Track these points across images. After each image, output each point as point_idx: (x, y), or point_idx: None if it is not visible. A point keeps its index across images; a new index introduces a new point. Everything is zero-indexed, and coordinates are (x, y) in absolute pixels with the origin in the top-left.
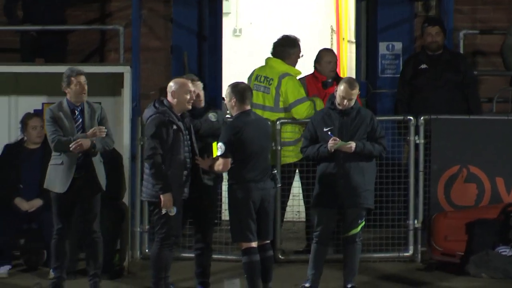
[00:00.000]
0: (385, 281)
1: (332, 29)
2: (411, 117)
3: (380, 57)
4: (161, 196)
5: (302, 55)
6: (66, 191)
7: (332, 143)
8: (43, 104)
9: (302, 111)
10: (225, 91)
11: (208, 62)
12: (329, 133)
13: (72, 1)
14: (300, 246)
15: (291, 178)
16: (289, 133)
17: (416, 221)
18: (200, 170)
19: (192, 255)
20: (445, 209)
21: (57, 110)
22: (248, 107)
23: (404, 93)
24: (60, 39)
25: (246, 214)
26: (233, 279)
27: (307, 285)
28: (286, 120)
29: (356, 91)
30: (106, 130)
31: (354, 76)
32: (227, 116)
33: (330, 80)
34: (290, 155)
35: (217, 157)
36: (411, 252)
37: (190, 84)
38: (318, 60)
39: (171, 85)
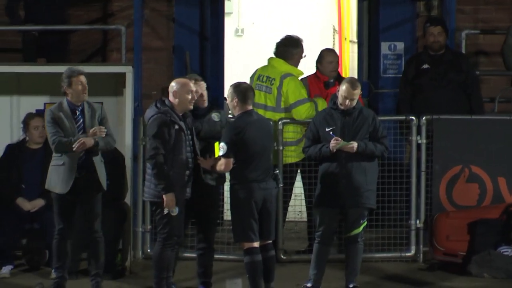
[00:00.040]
0: (387, 281)
1: (334, 29)
2: (413, 117)
3: (382, 57)
4: (164, 196)
5: (305, 56)
6: (69, 191)
7: (334, 143)
8: (45, 104)
9: (302, 112)
10: (227, 91)
11: (210, 62)
12: (331, 133)
13: (74, 1)
14: (302, 246)
15: (293, 178)
16: (291, 133)
17: (418, 221)
18: (201, 170)
19: (194, 255)
20: (447, 209)
21: (57, 110)
22: (250, 107)
23: (406, 93)
24: (62, 39)
25: (248, 214)
26: (235, 279)
27: (309, 285)
28: (288, 120)
29: (358, 91)
30: (106, 130)
31: (356, 76)
32: (229, 116)
33: (332, 80)
34: (292, 155)
35: (219, 157)
36: (413, 252)
37: (191, 84)
38: (319, 60)
39: (173, 85)
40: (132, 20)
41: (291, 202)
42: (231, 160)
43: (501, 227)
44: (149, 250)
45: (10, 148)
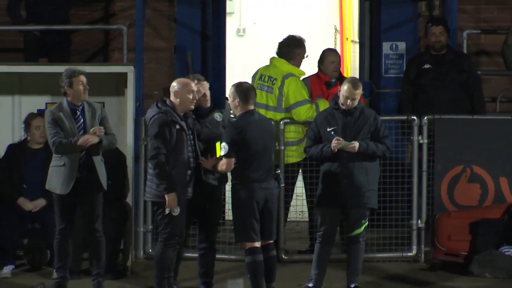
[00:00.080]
0: (388, 281)
1: (335, 29)
2: (415, 117)
3: (383, 57)
4: (166, 196)
5: (307, 56)
6: (70, 191)
7: (336, 143)
8: (46, 104)
9: (301, 113)
10: (228, 91)
11: (211, 62)
12: (332, 133)
13: (76, 1)
14: (303, 246)
15: (295, 178)
16: (292, 133)
17: (419, 221)
18: (202, 170)
19: (195, 255)
20: (448, 209)
21: (57, 111)
22: (252, 107)
23: (407, 93)
24: (64, 39)
25: (249, 214)
26: (236, 279)
27: (310, 285)
28: (289, 120)
29: (359, 91)
30: (103, 130)
31: (357, 76)
32: (231, 116)
33: (333, 80)
34: (293, 155)
35: (221, 157)
36: (414, 252)
37: (193, 84)
38: (321, 60)
39: (174, 85)
40: (134, 20)
41: (293, 202)
42: (233, 160)
43: (502, 227)
44: (150, 250)
45: (11, 148)
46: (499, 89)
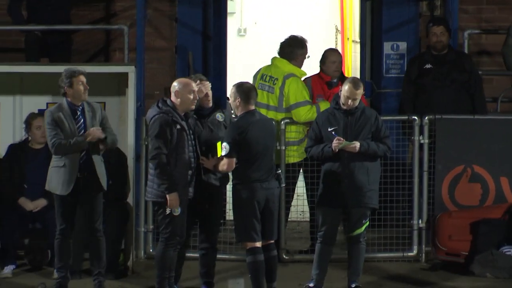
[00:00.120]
0: (389, 281)
1: (336, 29)
2: (416, 117)
3: (384, 57)
4: (167, 196)
5: (309, 56)
6: (71, 191)
7: (336, 143)
8: (47, 104)
9: (301, 114)
10: (229, 90)
11: (212, 62)
12: (333, 133)
13: (77, 1)
14: (304, 246)
15: (295, 178)
16: (293, 133)
17: (420, 221)
18: (202, 170)
19: (196, 255)
20: (449, 209)
21: (57, 111)
22: (253, 107)
23: (408, 93)
24: (65, 39)
25: (250, 214)
26: (237, 278)
27: (311, 285)
28: (290, 120)
29: (360, 91)
30: (101, 130)
31: (358, 76)
32: (232, 116)
33: (335, 80)
34: (294, 155)
35: (222, 157)
36: (415, 252)
37: (193, 84)
38: (323, 60)
39: (175, 85)
40: (135, 20)
41: (294, 202)
42: (234, 160)
43: (503, 227)
44: (151, 250)
45: (12, 148)
46: (500, 89)
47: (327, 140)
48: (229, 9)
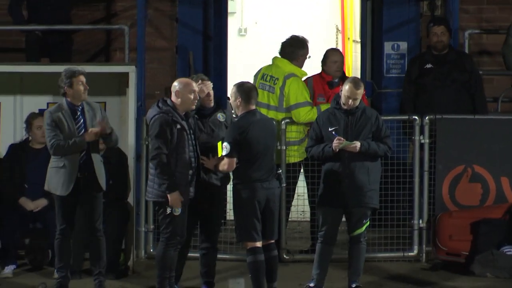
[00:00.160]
0: (390, 280)
1: (337, 29)
2: (416, 117)
3: (385, 56)
4: (169, 196)
5: (309, 57)
6: (71, 192)
7: (337, 143)
8: (48, 103)
9: (301, 114)
10: (230, 90)
11: (213, 62)
12: (333, 132)
13: (77, 1)
14: (305, 245)
15: (296, 178)
16: (294, 132)
17: (421, 221)
18: (203, 169)
19: (197, 254)
20: (450, 209)
21: (57, 112)
22: (253, 107)
23: (409, 93)
24: (66, 39)
25: (251, 214)
26: (238, 278)
27: (311, 284)
28: (291, 120)
29: (361, 91)
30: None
31: (359, 76)
32: (233, 116)
33: (336, 80)
34: (294, 155)
35: (222, 156)
36: (416, 251)
37: (194, 84)
38: (324, 60)
39: (175, 84)
40: (136, 20)
41: (294, 202)
42: (234, 159)
43: (504, 227)
44: (152, 250)
45: (13, 148)
46: (501, 89)
47: (327, 140)
48: (229, 9)
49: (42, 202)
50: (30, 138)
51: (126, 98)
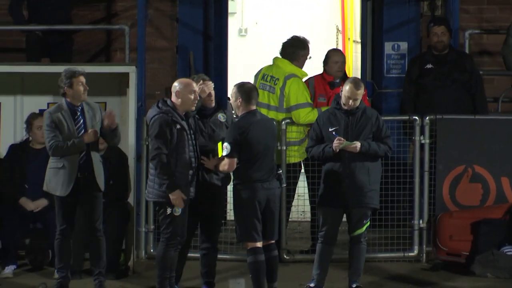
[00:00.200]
0: (390, 281)
1: (337, 29)
2: (417, 117)
3: (385, 57)
4: (170, 195)
5: (310, 57)
6: (70, 192)
7: (337, 143)
8: (48, 104)
9: (301, 115)
10: (230, 91)
11: (213, 62)
12: (334, 133)
13: (78, 1)
14: (305, 246)
15: (296, 178)
16: (294, 133)
17: (421, 221)
18: (204, 170)
19: (197, 255)
20: (450, 209)
21: (56, 112)
22: (254, 107)
23: (409, 93)
24: (66, 39)
25: (251, 214)
26: (238, 279)
27: (312, 285)
28: (291, 120)
29: (361, 91)
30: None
31: (359, 76)
32: (234, 116)
33: (337, 81)
34: (295, 155)
35: (223, 157)
36: (416, 252)
37: (194, 84)
38: (326, 60)
39: (176, 85)
40: (136, 20)
41: (294, 202)
42: (235, 160)
43: (504, 227)
44: (152, 250)
45: (13, 148)
46: (501, 89)
47: (328, 140)
48: (230, 9)
49: (42, 202)
50: (30, 138)
51: (126, 98)
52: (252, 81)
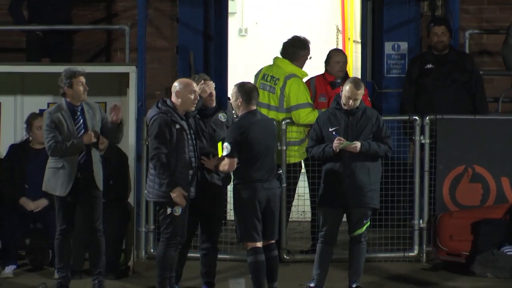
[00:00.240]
0: (390, 281)
1: (337, 29)
2: (417, 117)
3: (385, 57)
4: (171, 193)
5: (311, 57)
6: (69, 192)
7: (337, 143)
8: (48, 104)
9: (301, 116)
10: (230, 90)
11: (213, 62)
12: (334, 133)
13: (78, 1)
14: (305, 246)
15: (296, 178)
16: (294, 133)
17: (421, 221)
18: (205, 170)
19: (197, 255)
20: (450, 209)
21: (56, 113)
22: (254, 107)
23: (410, 93)
24: (66, 39)
25: (251, 214)
26: (238, 278)
27: (312, 285)
28: (291, 120)
29: (361, 91)
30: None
31: (359, 76)
32: (234, 116)
33: (339, 81)
34: (295, 155)
35: (223, 157)
36: (416, 252)
37: (194, 84)
38: (327, 60)
39: (176, 85)
40: (136, 20)
41: (295, 202)
42: (235, 160)
43: (504, 227)
44: (152, 250)
45: (13, 148)
46: (501, 89)
47: (328, 140)
48: (230, 9)
49: (43, 202)
50: (30, 138)
51: (126, 99)
52: (252, 81)
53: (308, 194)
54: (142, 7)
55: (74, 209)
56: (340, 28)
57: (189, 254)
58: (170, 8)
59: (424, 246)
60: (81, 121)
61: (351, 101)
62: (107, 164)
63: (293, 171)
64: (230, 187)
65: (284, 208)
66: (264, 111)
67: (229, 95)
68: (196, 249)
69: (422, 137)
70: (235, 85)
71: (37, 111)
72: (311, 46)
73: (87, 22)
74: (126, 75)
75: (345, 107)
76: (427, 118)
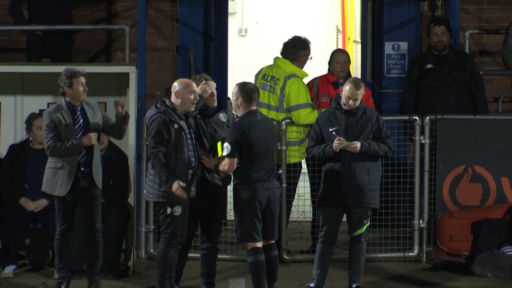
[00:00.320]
0: (390, 281)
1: (337, 29)
2: (417, 117)
3: (385, 57)
4: (171, 187)
5: (311, 58)
6: (69, 192)
7: (337, 143)
8: (48, 104)
9: (301, 116)
10: (230, 90)
11: (214, 62)
12: (334, 133)
13: (78, 1)
14: (305, 246)
15: (296, 178)
16: (294, 133)
17: (421, 221)
18: (205, 170)
19: (197, 255)
20: (450, 209)
21: (56, 113)
22: (255, 107)
23: (410, 93)
24: (66, 39)
25: (251, 214)
26: (238, 278)
27: (312, 285)
28: (291, 120)
29: (361, 91)
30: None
31: (360, 76)
32: (234, 116)
33: (341, 81)
34: (295, 155)
35: (223, 157)
36: (416, 252)
37: (194, 85)
38: (330, 60)
39: (175, 85)
40: (136, 20)
41: (295, 202)
42: (235, 160)
43: (504, 227)
44: (152, 250)
45: (13, 148)
46: (502, 89)
47: (328, 140)
48: (230, 9)
49: (43, 202)
50: (30, 138)
51: (126, 98)
52: (252, 81)
53: (308, 194)
54: (142, 7)
55: (74, 208)
56: (340, 28)
57: (189, 254)
58: (170, 8)
59: (424, 246)
60: (81, 120)
61: (351, 101)
62: (107, 163)
63: (293, 171)
64: (230, 187)
65: (284, 208)
66: (264, 111)
67: (229, 95)
68: (196, 249)
69: (422, 137)
70: (236, 85)
71: (37, 111)
72: (311, 46)
73: (87, 22)
74: (126, 75)
75: (345, 107)
76: (427, 118)
